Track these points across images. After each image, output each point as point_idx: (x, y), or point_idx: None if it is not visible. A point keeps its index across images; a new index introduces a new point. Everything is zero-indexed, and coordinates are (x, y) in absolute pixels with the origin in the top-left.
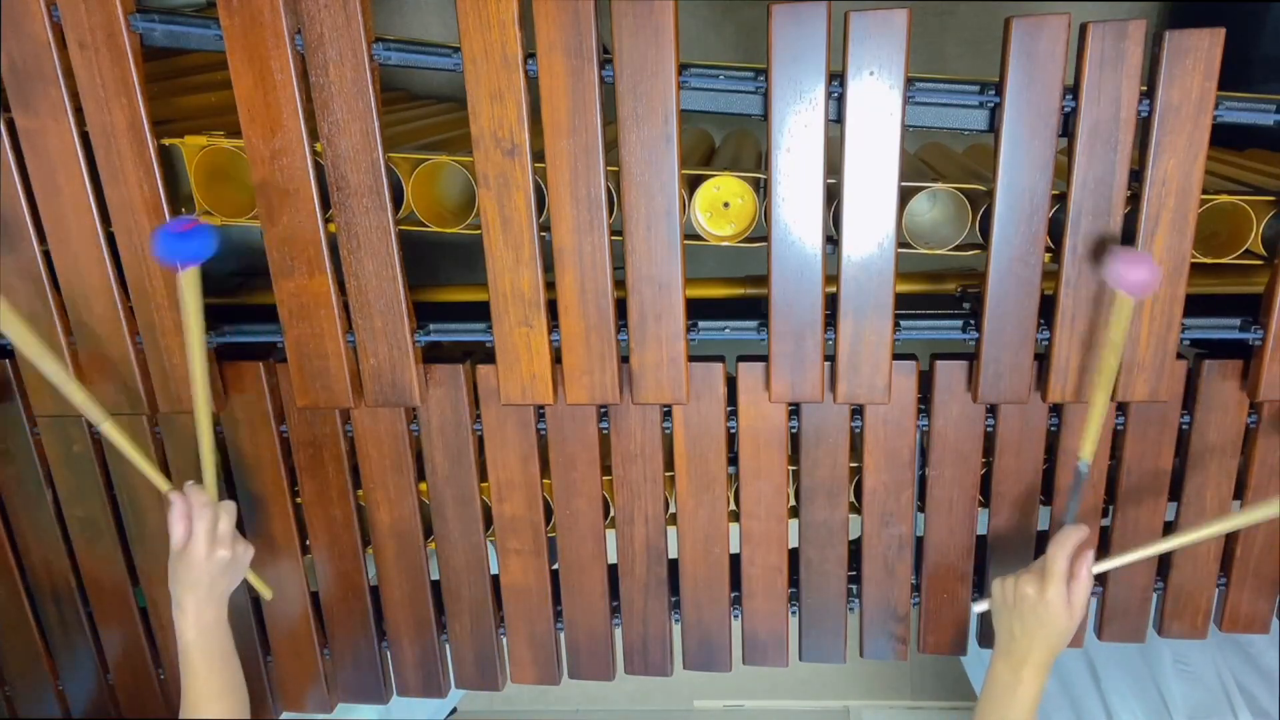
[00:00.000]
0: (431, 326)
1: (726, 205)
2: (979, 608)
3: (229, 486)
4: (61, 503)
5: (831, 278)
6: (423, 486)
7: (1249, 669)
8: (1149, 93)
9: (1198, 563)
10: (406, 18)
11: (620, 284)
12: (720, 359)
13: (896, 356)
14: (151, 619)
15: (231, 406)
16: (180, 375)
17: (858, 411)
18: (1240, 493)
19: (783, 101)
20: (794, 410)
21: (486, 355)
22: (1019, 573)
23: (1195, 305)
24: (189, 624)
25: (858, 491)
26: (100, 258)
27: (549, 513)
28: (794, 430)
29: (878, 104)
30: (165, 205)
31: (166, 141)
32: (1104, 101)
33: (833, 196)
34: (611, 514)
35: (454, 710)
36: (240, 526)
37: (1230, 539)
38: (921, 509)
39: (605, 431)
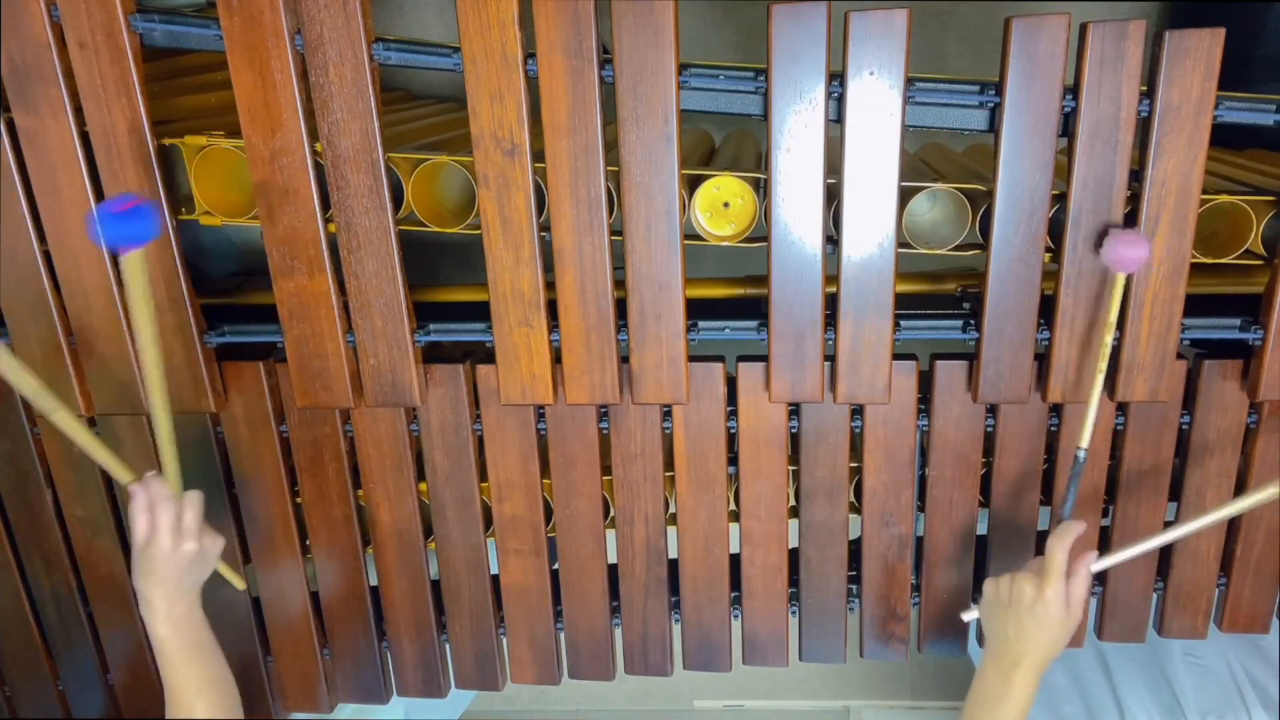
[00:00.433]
0: (431, 326)
1: (726, 205)
2: (967, 616)
3: (229, 487)
4: (61, 503)
5: (831, 278)
6: (423, 486)
7: (1259, 661)
8: (1149, 93)
9: (1198, 562)
10: (406, 18)
11: (620, 284)
12: (720, 359)
13: (896, 356)
14: None
15: (231, 406)
16: (180, 375)
17: (858, 411)
18: (1240, 492)
19: (783, 101)
20: (794, 410)
21: (486, 355)
22: (1014, 571)
23: (1195, 305)
24: (160, 620)
25: (858, 491)
26: (100, 257)
27: (549, 513)
28: (794, 430)
29: (878, 104)
30: (165, 205)
31: (166, 141)
32: (1104, 101)
33: (833, 196)
34: (611, 514)
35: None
36: (240, 527)
37: (1230, 539)
38: (921, 509)
39: (605, 431)
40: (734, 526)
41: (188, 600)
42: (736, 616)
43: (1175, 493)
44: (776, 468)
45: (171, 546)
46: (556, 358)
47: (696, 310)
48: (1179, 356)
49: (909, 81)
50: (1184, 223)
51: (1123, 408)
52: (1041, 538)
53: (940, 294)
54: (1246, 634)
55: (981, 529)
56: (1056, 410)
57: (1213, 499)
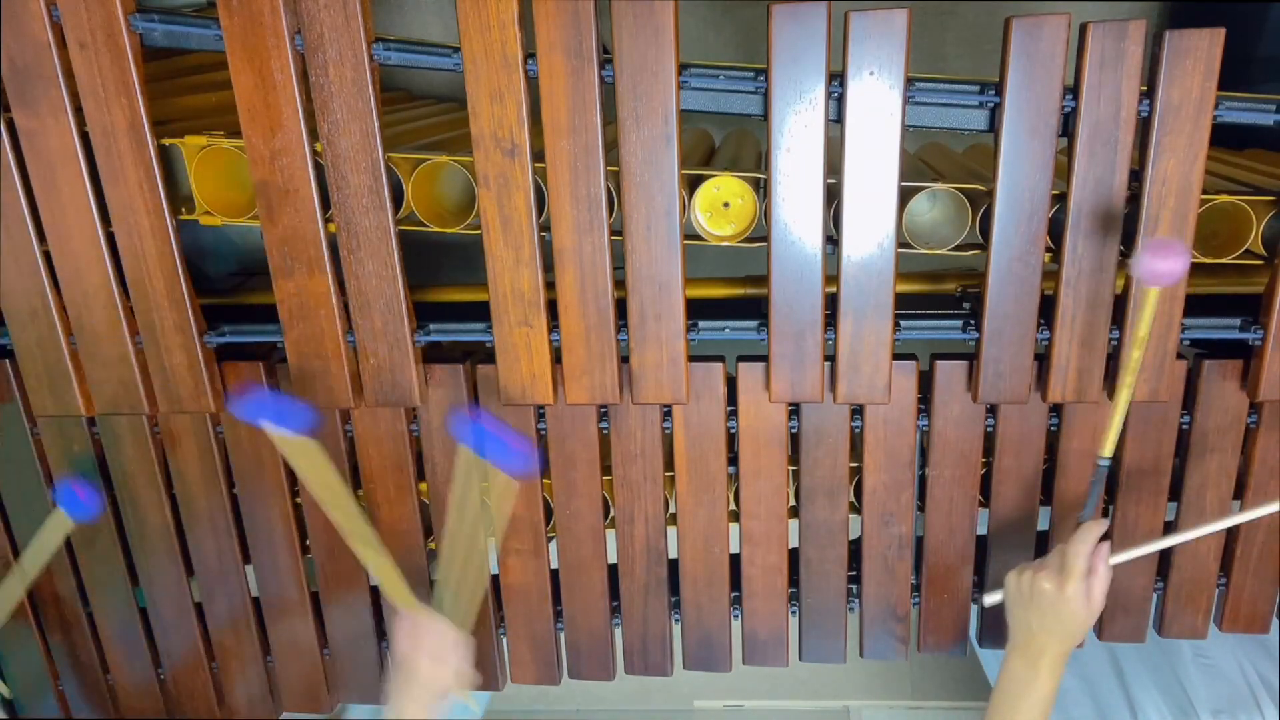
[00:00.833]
0: (431, 326)
1: (726, 205)
2: (990, 599)
3: (229, 487)
4: None
5: (831, 278)
6: (423, 486)
7: (1268, 660)
8: (1149, 93)
9: (1198, 562)
10: (406, 18)
11: (620, 284)
12: (720, 359)
13: (896, 356)
14: (151, 619)
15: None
16: (180, 375)
17: (858, 411)
18: (1240, 492)
19: (783, 101)
20: (794, 410)
21: (486, 355)
22: (1035, 566)
23: (1195, 305)
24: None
25: (858, 491)
26: (100, 258)
27: (549, 513)
28: (794, 430)
29: (878, 104)
30: (165, 205)
31: (166, 141)
32: (1104, 101)
33: (833, 196)
34: (611, 514)
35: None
36: (240, 526)
37: (1230, 539)
38: (921, 509)
39: (605, 431)
40: (734, 526)
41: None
42: (736, 616)
43: (1175, 492)
44: (776, 468)
45: (430, 670)
46: (556, 358)
47: (696, 310)
48: (1179, 356)
49: (909, 81)
50: (1184, 223)
51: None
52: (1042, 538)
53: (940, 294)
54: (1247, 633)
55: (981, 529)
56: (1056, 410)
57: (1213, 499)
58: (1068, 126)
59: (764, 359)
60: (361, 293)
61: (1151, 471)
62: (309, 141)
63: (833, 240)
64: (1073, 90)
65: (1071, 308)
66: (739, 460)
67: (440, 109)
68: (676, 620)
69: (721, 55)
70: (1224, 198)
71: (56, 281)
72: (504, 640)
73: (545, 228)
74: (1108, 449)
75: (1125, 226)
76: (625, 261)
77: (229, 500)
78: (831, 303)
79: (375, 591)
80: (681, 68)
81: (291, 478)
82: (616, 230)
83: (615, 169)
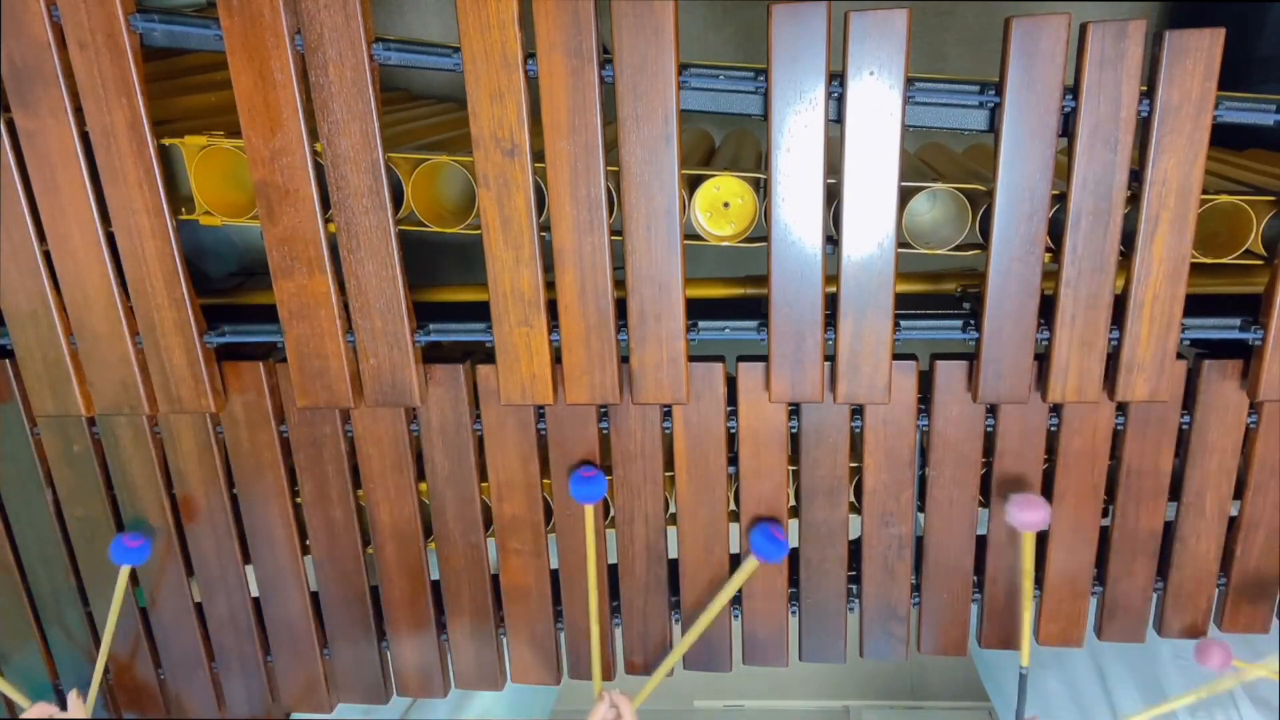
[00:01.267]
0: (431, 326)
1: (726, 205)
2: None
3: (229, 487)
4: (61, 503)
5: (831, 278)
6: (423, 486)
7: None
8: (1149, 93)
9: (1198, 562)
10: (406, 18)
11: (620, 284)
12: (720, 359)
13: (896, 356)
14: (151, 619)
15: (231, 406)
16: (180, 375)
17: (858, 411)
18: (1240, 493)
19: (783, 101)
20: (794, 410)
21: (486, 355)
22: None
23: (1195, 305)
24: None
25: (858, 491)
26: (100, 258)
27: (549, 513)
28: (794, 430)
29: (878, 104)
30: (165, 205)
31: (166, 141)
32: (1104, 101)
33: (833, 196)
34: (611, 514)
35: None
36: (240, 527)
37: (1230, 539)
38: (921, 509)
39: (605, 431)
40: (734, 526)
41: None
42: (736, 616)
43: (1175, 493)
44: (776, 468)
45: None
46: (556, 358)
47: (696, 310)
48: (1179, 356)
49: (909, 81)
50: (1184, 223)
51: (1123, 408)
52: (1042, 538)
53: (940, 294)
54: (1246, 633)
55: (981, 529)
56: (1056, 410)
57: (1213, 499)
58: (1068, 126)
59: (764, 359)
60: (361, 293)
61: (1151, 471)
62: (309, 141)
63: (833, 240)
64: (1073, 90)
65: (1071, 308)
66: (739, 460)
67: (440, 109)
68: (676, 620)
69: (721, 55)
70: (1224, 198)
71: (56, 281)
72: (504, 640)
73: (545, 228)
74: (1024, 658)
75: (1125, 226)
76: (625, 261)
77: (229, 500)
78: (831, 303)
79: (375, 592)
80: (681, 68)
81: (292, 478)
82: (616, 230)
83: (615, 169)
